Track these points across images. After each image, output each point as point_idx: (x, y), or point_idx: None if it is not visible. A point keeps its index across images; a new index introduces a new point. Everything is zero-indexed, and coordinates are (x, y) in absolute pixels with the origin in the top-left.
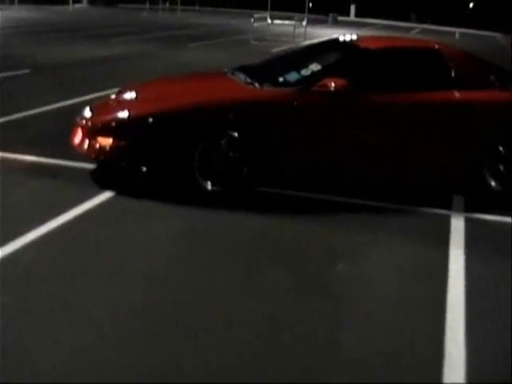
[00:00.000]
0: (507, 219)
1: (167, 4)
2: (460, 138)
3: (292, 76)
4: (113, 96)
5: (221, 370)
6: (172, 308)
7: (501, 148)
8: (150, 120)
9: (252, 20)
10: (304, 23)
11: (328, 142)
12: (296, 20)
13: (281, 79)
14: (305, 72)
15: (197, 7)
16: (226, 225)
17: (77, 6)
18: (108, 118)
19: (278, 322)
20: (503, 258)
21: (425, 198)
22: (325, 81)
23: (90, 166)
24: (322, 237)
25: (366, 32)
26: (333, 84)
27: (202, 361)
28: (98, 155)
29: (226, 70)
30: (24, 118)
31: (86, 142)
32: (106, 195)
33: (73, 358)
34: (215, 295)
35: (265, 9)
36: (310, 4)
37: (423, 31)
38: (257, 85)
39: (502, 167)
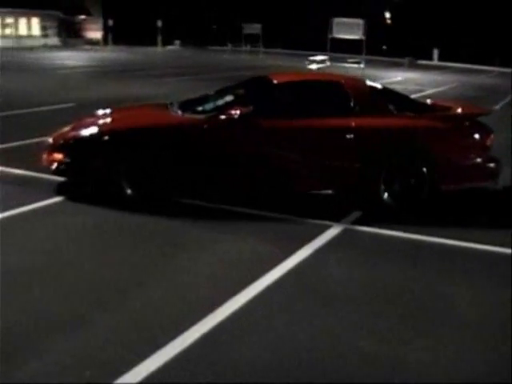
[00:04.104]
0: (384, 231)
1: (248, 46)
2: (357, 158)
3: (209, 106)
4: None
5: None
6: (46, 263)
7: (394, 168)
8: (86, 139)
9: (306, 62)
10: (362, 66)
11: (231, 158)
12: (351, 62)
13: (200, 108)
14: (219, 102)
15: (279, 50)
16: (122, 221)
17: (169, 47)
18: (62, 136)
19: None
20: (347, 260)
21: (325, 212)
22: (232, 109)
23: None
24: (188, 235)
25: (438, 75)
26: (238, 111)
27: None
28: (55, 169)
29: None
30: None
31: (48, 157)
32: (56, 199)
33: None
34: (77, 260)
35: (346, 52)
36: (384, 47)
37: (499, 74)
38: (180, 112)
39: (396, 185)
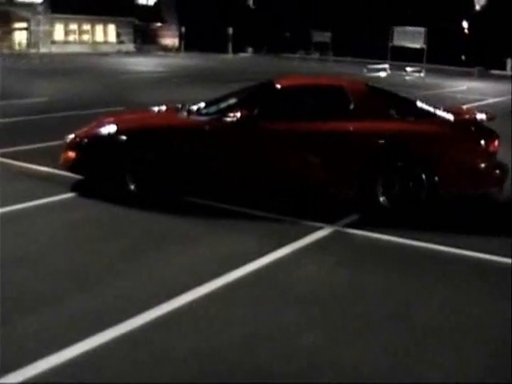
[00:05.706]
0: (375, 235)
1: (317, 54)
2: (355, 161)
3: (213, 108)
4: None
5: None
6: (40, 247)
7: (391, 172)
8: (96, 138)
9: (365, 70)
10: (422, 74)
11: (232, 158)
12: (411, 71)
13: (204, 111)
14: (223, 105)
15: (348, 58)
16: (122, 216)
17: (241, 54)
18: (77, 136)
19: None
20: (323, 261)
21: (321, 214)
22: (233, 112)
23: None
24: (180, 231)
25: (506, 85)
26: (239, 114)
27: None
28: (70, 166)
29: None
30: None
31: (65, 156)
32: (69, 195)
33: None
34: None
35: (408, 61)
36: (463, 57)
37: None
38: (185, 114)
39: (394, 189)
